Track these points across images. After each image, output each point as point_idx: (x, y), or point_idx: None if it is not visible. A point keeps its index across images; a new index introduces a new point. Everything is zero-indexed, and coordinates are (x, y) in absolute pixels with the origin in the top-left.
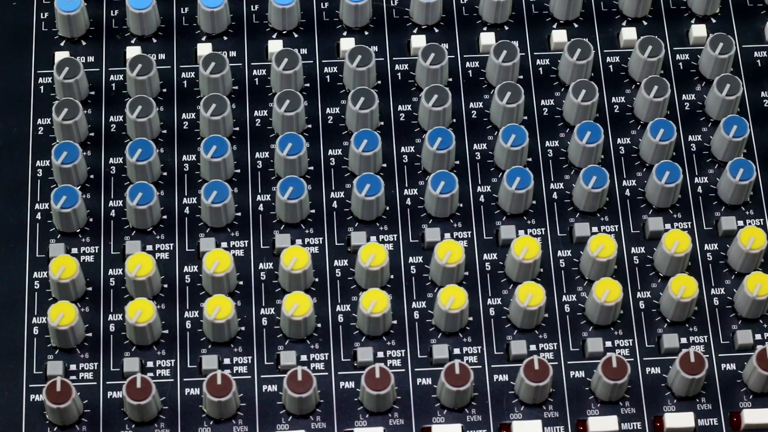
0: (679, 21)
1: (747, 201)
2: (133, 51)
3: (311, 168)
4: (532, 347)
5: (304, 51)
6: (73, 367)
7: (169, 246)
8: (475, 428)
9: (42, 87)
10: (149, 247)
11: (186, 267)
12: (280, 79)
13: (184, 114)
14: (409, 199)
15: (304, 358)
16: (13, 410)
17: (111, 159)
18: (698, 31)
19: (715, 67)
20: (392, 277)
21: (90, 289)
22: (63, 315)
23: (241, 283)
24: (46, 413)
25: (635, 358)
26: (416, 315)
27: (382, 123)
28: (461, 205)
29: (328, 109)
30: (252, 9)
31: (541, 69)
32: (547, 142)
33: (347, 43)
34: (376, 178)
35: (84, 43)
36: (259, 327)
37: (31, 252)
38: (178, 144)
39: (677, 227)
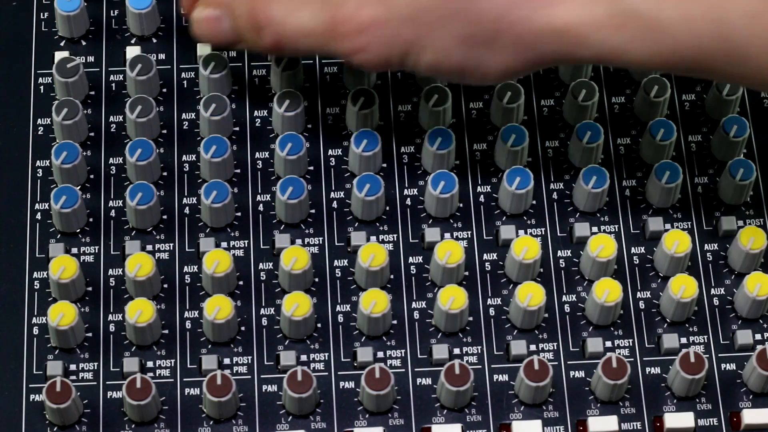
0: None
1: (747, 201)
2: (133, 51)
3: (311, 168)
4: (532, 347)
5: None
6: (73, 367)
7: (169, 246)
8: (475, 428)
9: (42, 87)
10: (149, 247)
11: (186, 267)
12: (281, 79)
13: (184, 114)
14: (409, 199)
15: (304, 358)
16: (13, 410)
17: (111, 159)
18: None
19: None
20: (392, 277)
21: (90, 289)
22: (63, 315)
23: (241, 283)
24: (46, 413)
25: (635, 358)
26: (416, 315)
27: (382, 123)
28: (461, 205)
29: (328, 109)
30: None
31: (541, 69)
32: (547, 142)
33: None
34: (376, 178)
35: (84, 43)
36: (259, 327)
37: (31, 252)
38: (178, 144)
39: (677, 227)
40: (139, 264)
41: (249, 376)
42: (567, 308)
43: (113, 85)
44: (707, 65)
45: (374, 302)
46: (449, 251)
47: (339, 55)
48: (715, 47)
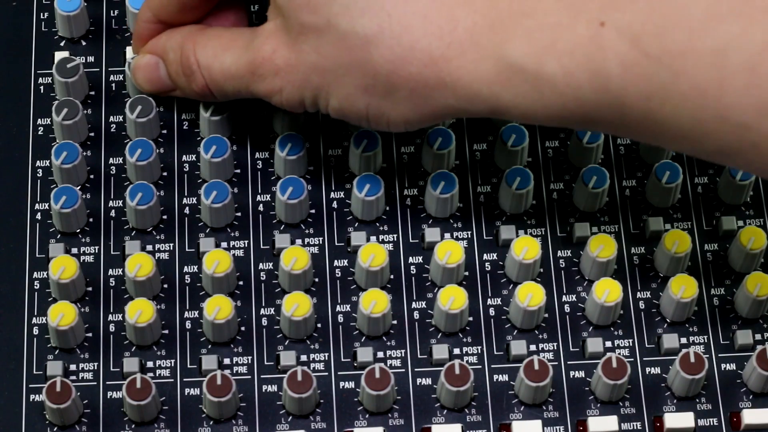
0: None
1: (747, 201)
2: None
3: (311, 168)
4: (532, 347)
5: None
6: (73, 367)
7: (169, 246)
8: (475, 428)
9: (42, 87)
10: (149, 247)
11: (186, 267)
12: None
13: (184, 114)
14: (409, 199)
15: (304, 358)
16: (13, 410)
17: (111, 159)
18: None
19: None
20: (392, 277)
21: (90, 289)
22: (63, 315)
23: (241, 283)
24: (46, 413)
25: (635, 358)
26: (416, 315)
27: None
28: (461, 205)
29: None
30: (253, 8)
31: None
32: (547, 142)
33: None
34: (376, 178)
35: (84, 43)
36: (259, 327)
37: (31, 252)
38: (178, 144)
39: (677, 227)
40: (139, 264)
41: (249, 376)
42: (567, 308)
43: (113, 85)
44: (594, 117)
45: (374, 302)
46: (449, 251)
47: (259, 95)
48: (596, 98)
